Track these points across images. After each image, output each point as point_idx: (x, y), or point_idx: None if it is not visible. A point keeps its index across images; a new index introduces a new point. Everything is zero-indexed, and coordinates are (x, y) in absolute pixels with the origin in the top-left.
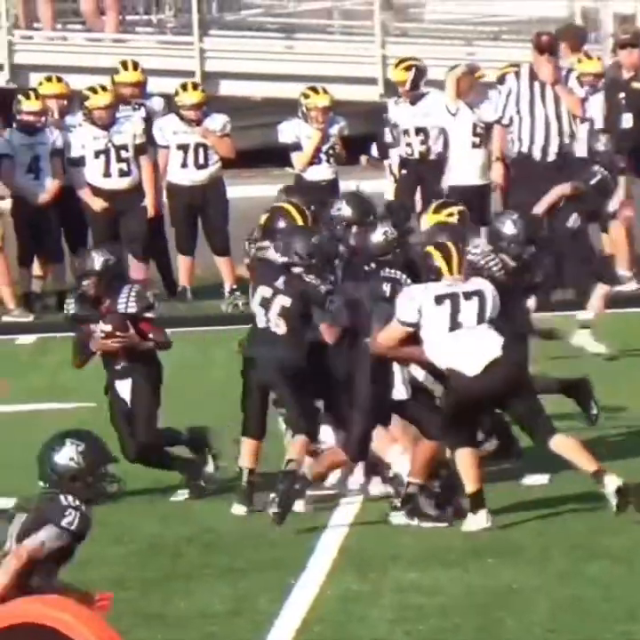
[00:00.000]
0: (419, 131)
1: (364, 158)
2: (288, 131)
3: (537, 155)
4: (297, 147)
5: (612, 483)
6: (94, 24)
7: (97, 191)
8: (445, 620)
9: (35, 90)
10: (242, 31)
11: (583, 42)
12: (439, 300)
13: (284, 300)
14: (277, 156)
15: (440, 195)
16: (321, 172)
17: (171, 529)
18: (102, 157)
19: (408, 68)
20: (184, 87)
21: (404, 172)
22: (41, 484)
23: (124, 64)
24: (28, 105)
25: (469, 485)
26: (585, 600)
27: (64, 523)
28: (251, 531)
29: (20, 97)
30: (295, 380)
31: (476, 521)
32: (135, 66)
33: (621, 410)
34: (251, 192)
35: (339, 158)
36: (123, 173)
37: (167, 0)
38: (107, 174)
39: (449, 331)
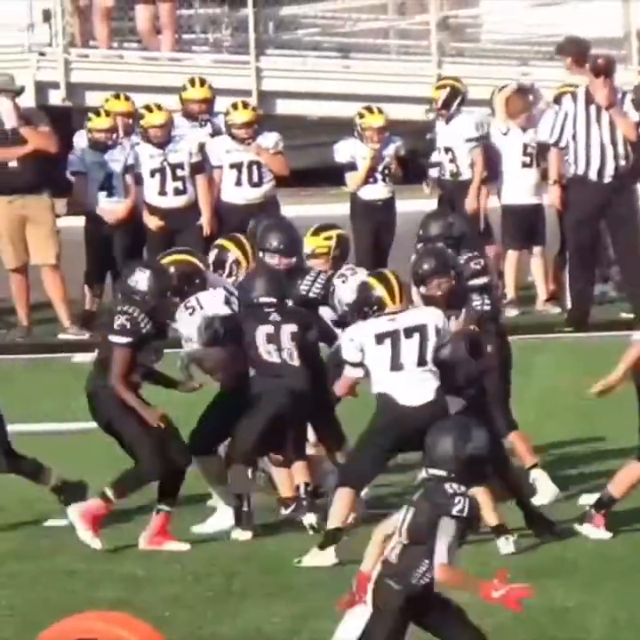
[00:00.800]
0: (447, 150)
1: (425, 185)
2: (344, 150)
3: (593, 177)
4: (352, 166)
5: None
6: (150, 43)
7: (153, 209)
8: None
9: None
10: (298, 51)
11: (587, 56)
12: (380, 338)
13: (290, 328)
14: (334, 175)
15: (465, 217)
16: (377, 192)
17: (227, 547)
18: (158, 176)
19: (442, 87)
20: (234, 106)
21: (441, 192)
22: (434, 471)
23: (192, 81)
24: (99, 122)
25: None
26: None
27: (455, 511)
28: (308, 550)
29: (90, 115)
30: (307, 409)
31: (322, 558)
32: (202, 82)
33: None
34: (307, 211)
35: (395, 178)
36: (178, 192)
37: (224, 19)
38: (162, 193)
39: (390, 370)
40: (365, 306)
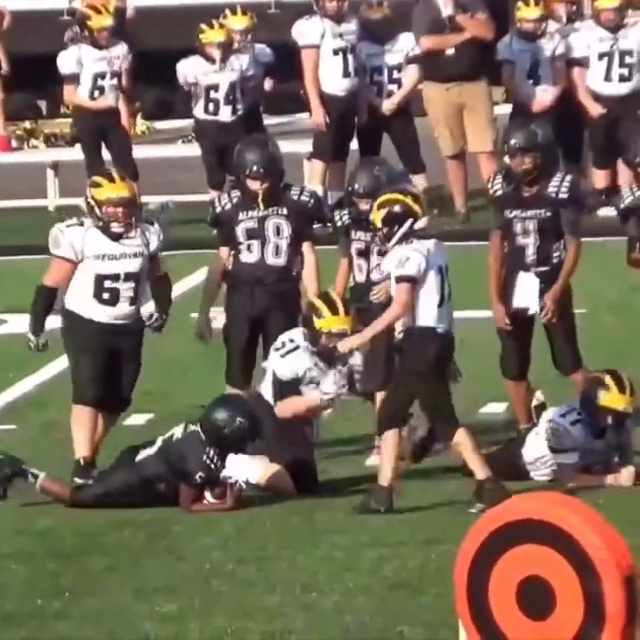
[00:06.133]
0: None
1: None
2: None
3: None
4: None
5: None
6: None
7: (596, 96)
8: None
9: None
10: None
11: None
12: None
13: None
14: None
15: None
16: None
17: None
18: (605, 61)
19: None
20: None
21: None
22: None
23: None
24: (527, 12)
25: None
26: None
27: None
28: None
29: (518, 4)
30: None
31: None
32: None
33: None
34: None
35: None
36: (623, 79)
37: None
38: (608, 79)
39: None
40: None
